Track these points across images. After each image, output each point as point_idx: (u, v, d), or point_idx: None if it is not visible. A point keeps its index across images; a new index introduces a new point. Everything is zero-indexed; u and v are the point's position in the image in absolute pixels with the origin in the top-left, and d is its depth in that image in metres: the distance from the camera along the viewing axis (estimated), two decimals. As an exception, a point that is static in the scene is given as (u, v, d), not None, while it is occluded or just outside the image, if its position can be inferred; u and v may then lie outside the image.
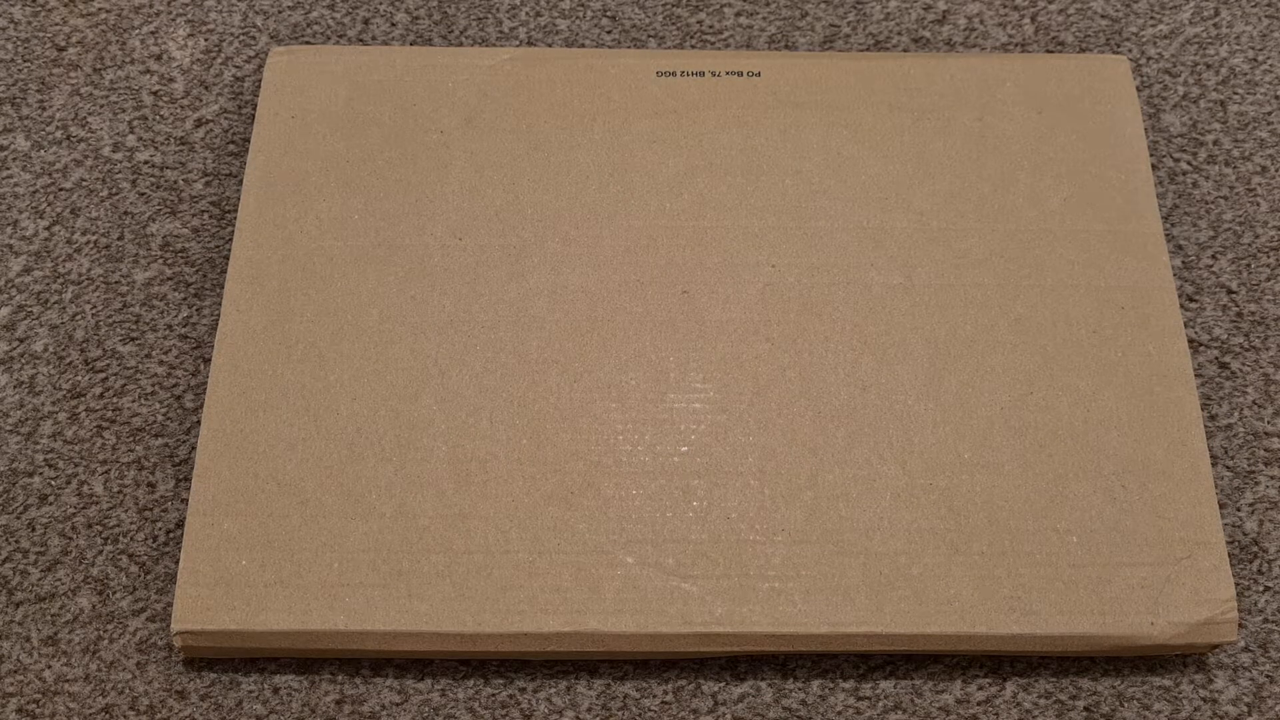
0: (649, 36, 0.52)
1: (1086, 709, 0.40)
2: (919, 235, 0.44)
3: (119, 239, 0.47)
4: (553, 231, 0.44)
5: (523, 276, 0.43)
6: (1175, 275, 0.46)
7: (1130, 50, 0.52)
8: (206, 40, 0.52)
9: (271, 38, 0.52)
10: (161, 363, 0.45)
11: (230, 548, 0.39)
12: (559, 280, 0.43)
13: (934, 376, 0.41)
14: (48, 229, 0.48)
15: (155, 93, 0.51)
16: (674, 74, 0.47)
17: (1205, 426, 0.43)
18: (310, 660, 0.41)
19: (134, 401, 0.44)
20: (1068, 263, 0.43)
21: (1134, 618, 0.38)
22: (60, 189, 0.48)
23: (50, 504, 0.43)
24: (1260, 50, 0.52)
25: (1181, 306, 0.46)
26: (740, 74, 0.47)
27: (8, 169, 0.49)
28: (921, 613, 0.38)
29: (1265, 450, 0.44)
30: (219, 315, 0.43)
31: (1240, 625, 0.42)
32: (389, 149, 0.45)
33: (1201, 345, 0.46)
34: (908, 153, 0.45)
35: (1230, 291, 0.47)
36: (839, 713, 0.40)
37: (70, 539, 0.42)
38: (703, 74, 0.47)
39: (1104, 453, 0.40)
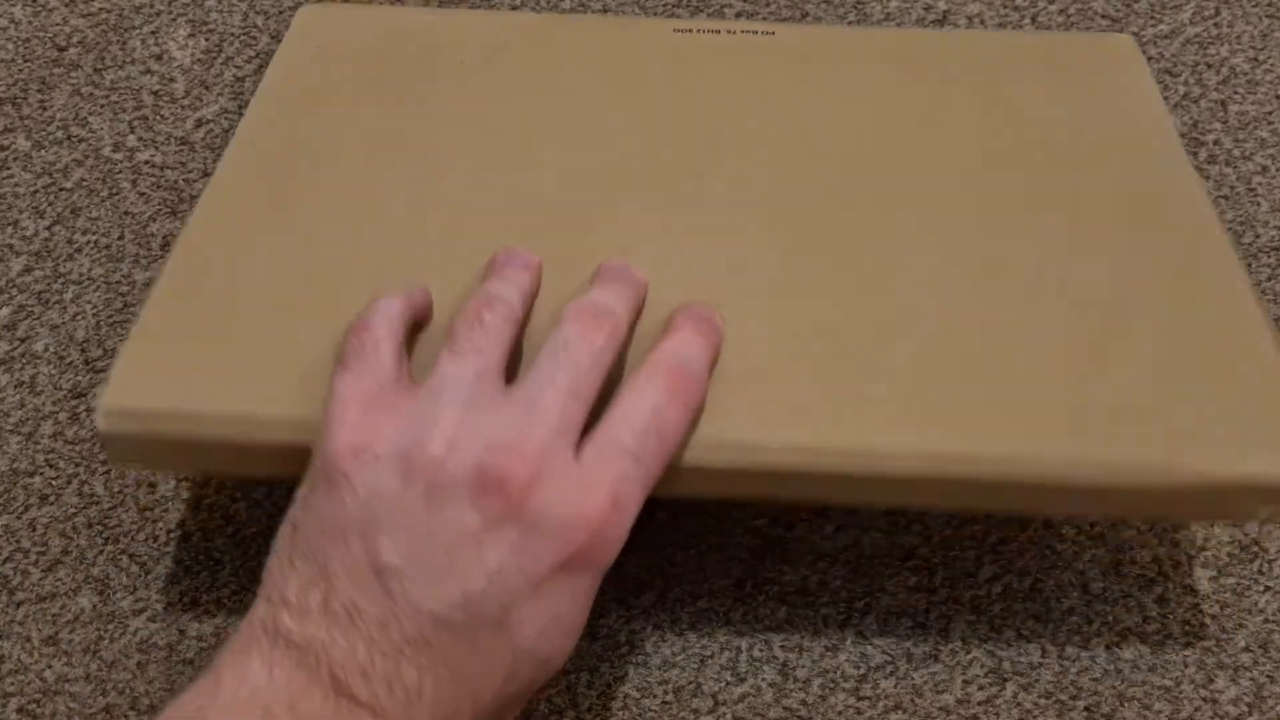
0: (649, 36, 0.52)
1: (1087, 709, 0.40)
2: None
3: (120, 239, 0.47)
4: (565, 141, 0.44)
5: (531, 168, 0.43)
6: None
7: (1131, 50, 0.52)
8: (207, 40, 0.52)
9: (272, 38, 0.52)
10: (162, 363, 0.45)
11: (183, 340, 0.37)
12: (568, 164, 0.43)
13: (965, 255, 0.40)
14: (48, 229, 0.48)
15: (156, 93, 0.51)
16: (690, 31, 0.49)
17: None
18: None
19: (134, 401, 0.45)
20: (1092, 188, 0.42)
21: (1192, 451, 0.35)
22: (61, 189, 0.48)
23: (51, 504, 0.43)
24: (1261, 50, 0.52)
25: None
26: (755, 33, 0.48)
27: (8, 169, 0.49)
28: (964, 432, 0.36)
29: (1266, 450, 0.44)
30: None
31: (1240, 626, 0.42)
32: (408, 75, 0.46)
33: (1202, 345, 0.46)
34: (921, 115, 0.45)
35: (1231, 291, 0.47)
36: (839, 713, 0.40)
37: (71, 539, 0.42)
38: (718, 32, 0.49)
39: (1146, 315, 0.38)
